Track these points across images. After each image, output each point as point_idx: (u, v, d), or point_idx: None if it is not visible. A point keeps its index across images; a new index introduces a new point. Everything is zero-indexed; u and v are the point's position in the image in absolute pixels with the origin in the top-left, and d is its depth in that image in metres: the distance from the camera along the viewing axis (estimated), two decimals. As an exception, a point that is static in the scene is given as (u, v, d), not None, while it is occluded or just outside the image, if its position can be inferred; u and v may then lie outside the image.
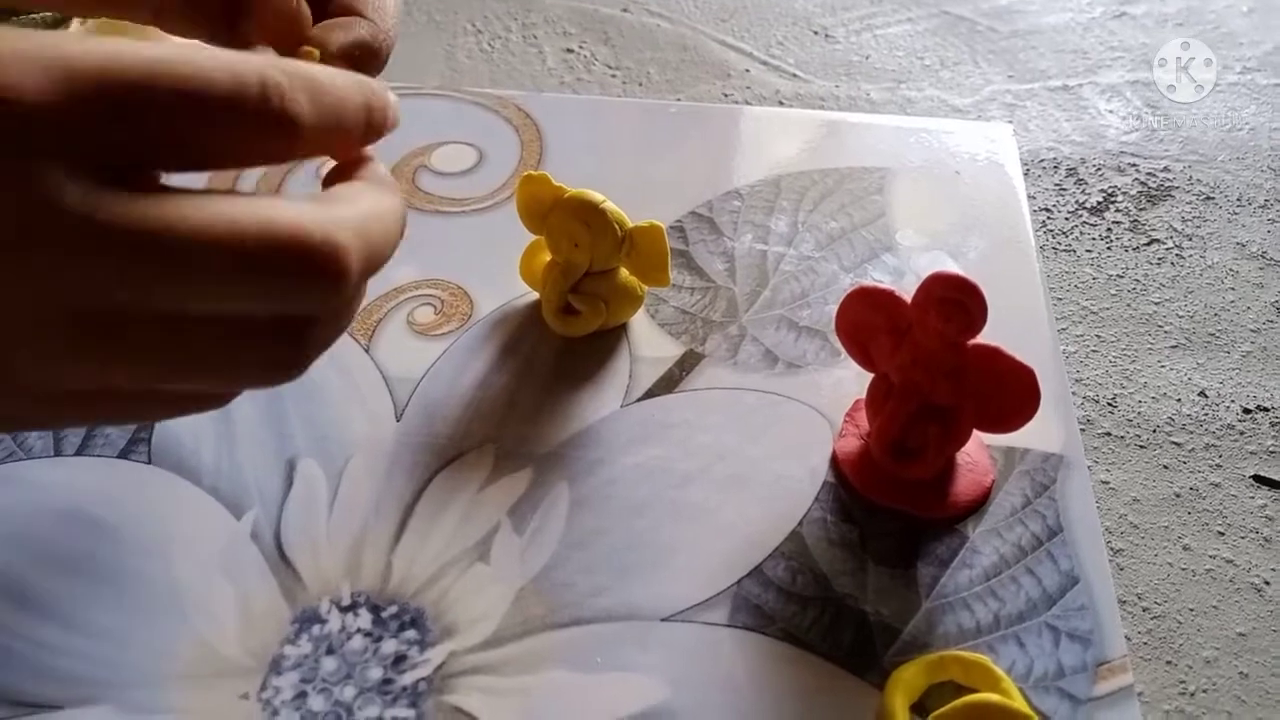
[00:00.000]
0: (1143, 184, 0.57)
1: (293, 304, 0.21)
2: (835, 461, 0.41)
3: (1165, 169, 0.58)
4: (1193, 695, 0.37)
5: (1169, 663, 0.38)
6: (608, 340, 0.45)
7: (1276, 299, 0.51)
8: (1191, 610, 0.39)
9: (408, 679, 0.35)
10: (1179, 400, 0.46)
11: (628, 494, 0.40)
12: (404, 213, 0.24)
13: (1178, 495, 0.43)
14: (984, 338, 0.36)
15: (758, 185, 0.53)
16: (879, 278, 0.48)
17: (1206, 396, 0.47)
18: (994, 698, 0.32)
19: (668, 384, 0.44)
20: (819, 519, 0.39)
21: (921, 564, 0.38)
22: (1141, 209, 0.56)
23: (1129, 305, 0.51)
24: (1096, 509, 0.40)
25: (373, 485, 0.40)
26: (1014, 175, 0.54)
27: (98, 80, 0.18)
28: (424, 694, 0.34)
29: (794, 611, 0.36)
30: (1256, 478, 0.43)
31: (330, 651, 0.35)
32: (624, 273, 0.45)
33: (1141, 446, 0.45)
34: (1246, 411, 0.46)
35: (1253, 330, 0.50)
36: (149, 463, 0.40)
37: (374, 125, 0.24)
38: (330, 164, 0.25)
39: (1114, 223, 0.55)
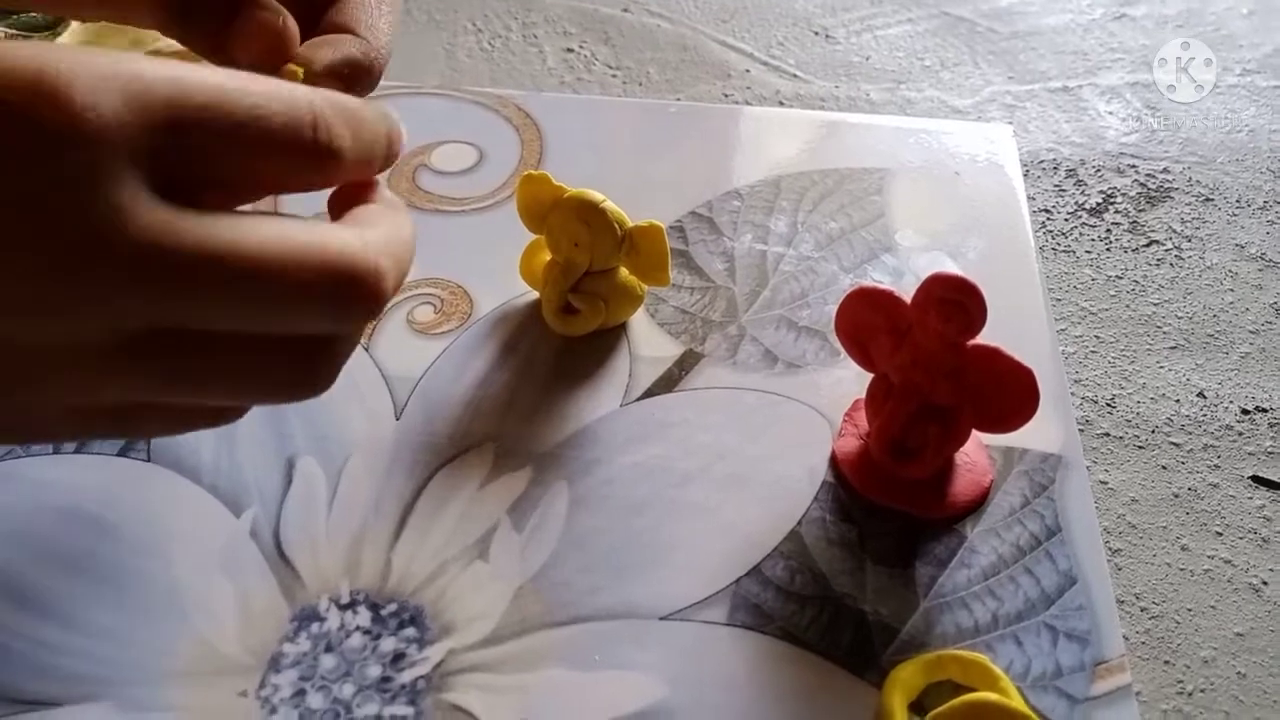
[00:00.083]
0: (1142, 185, 0.57)
1: (336, 324, 0.21)
2: (834, 461, 0.41)
3: (1165, 170, 0.58)
4: (1190, 695, 0.37)
5: (1167, 663, 0.38)
6: (607, 340, 0.45)
7: (1275, 300, 0.51)
8: (1189, 610, 0.39)
9: (406, 677, 0.35)
10: (1178, 401, 0.47)
11: (627, 493, 0.40)
12: (415, 232, 0.24)
13: (1176, 496, 0.43)
14: (983, 338, 0.36)
15: (757, 185, 0.53)
16: (878, 278, 0.48)
17: (1205, 397, 0.47)
18: (992, 697, 0.32)
19: (667, 383, 0.44)
20: (818, 518, 0.39)
21: (920, 563, 0.38)
22: (1141, 210, 0.56)
23: (1128, 306, 0.51)
24: (1095, 509, 0.40)
25: (372, 484, 0.40)
26: (1013, 176, 0.54)
27: (167, 103, 0.18)
28: (423, 692, 0.34)
29: (793, 610, 0.37)
30: (1255, 478, 0.43)
31: (329, 649, 0.35)
32: (624, 272, 0.45)
33: (1140, 447, 0.45)
34: (1245, 412, 0.46)
35: (1251, 331, 0.50)
36: (148, 461, 0.40)
37: (391, 155, 0.24)
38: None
39: (1113, 224, 0.55)
